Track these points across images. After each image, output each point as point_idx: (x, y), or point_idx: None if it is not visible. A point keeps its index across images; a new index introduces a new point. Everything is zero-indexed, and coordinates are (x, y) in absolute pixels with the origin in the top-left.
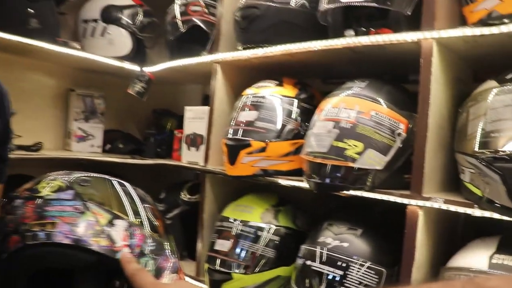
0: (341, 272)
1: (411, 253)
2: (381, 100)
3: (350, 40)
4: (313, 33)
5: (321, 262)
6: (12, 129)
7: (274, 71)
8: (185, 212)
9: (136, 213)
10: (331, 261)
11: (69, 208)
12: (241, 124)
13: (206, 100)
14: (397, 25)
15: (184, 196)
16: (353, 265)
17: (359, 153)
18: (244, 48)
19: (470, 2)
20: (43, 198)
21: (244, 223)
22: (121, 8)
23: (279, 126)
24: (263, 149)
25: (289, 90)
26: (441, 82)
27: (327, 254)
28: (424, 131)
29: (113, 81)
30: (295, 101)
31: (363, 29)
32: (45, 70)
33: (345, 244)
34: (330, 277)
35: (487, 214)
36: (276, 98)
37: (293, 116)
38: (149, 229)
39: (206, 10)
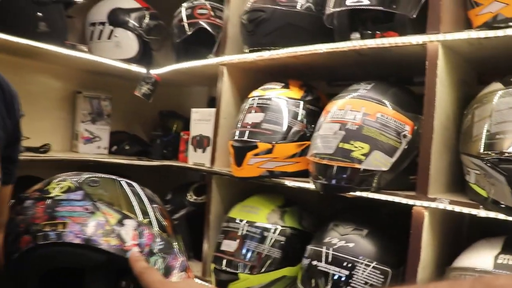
0: (347, 272)
1: (417, 254)
2: (387, 102)
3: (356, 42)
4: (319, 36)
5: (327, 262)
6: (21, 130)
7: (280, 73)
8: (191, 213)
9: (145, 213)
10: (337, 261)
11: (79, 208)
12: (248, 126)
13: (212, 102)
14: (403, 28)
15: (190, 197)
16: (359, 265)
17: (365, 155)
18: (250, 51)
19: (476, 5)
20: (53, 199)
21: (250, 223)
22: (128, 11)
23: (285, 128)
24: (269, 151)
25: (295, 92)
26: (446, 84)
27: (333, 254)
28: (429, 132)
29: (120, 83)
30: (301, 103)
31: (369, 32)
32: (53, 72)
33: (351, 245)
34: (336, 277)
35: (492, 214)
36: (282, 100)
37: (299, 118)
38: (158, 228)
39: (212, 13)
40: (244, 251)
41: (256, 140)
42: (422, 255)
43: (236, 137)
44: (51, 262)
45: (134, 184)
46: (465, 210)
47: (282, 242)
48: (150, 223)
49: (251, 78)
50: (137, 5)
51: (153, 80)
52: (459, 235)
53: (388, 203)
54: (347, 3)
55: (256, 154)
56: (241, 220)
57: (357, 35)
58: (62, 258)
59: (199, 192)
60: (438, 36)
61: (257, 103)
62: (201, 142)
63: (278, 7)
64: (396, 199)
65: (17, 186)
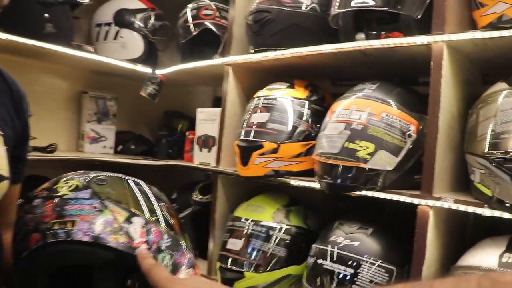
0: (352, 271)
1: (422, 252)
2: (392, 102)
3: (361, 43)
4: (324, 36)
5: (332, 261)
6: (30, 130)
7: (285, 73)
8: (196, 212)
9: (152, 211)
10: (342, 260)
11: (87, 206)
12: (253, 126)
13: (217, 102)
14: (408, 29)
15: (196, 196)
16: (364, 263)
17: (371, 154)
18: (255, 51)
19: (480, 6)
20: (62, 198)
21: (256, 222)
22: (134, 12)
23: (290, 127)
24: (275, 150)
25: (300, 92)
26: (451, 85)
27: (338, 252)
28: (434, 132)
29: (125, 83)
30: (306, 103)
31: (374, 32)
32: (59, 73)
33: (356, 243)
34: (341, 275)
35: (497, 214)
36: (287, 100)
37: (304, 117)
38: (165, 226)
39: (217, 14)
40: (249, 249)
41: (262, 140)
42: (427, 254)
43: (242, 137)
44: (60, 260)
45: (141, 182)
46: (470, 209)
47: (287, 241)
48: (157, 221)
49: (256, 78)
50: (143, 6)
51: (159, 80)
52: (463, 234)
53: (392, 202)
54: (352, 4)
55: (262, 154)
56: (246, 219)
57: (362, 35)
58: (71, 256)
59: (205, 191)
60: (443, 37)
61: (263, 103)
62: (206, 142)
63: (284, 8)
64: (401, 198)
65: (24, 185)
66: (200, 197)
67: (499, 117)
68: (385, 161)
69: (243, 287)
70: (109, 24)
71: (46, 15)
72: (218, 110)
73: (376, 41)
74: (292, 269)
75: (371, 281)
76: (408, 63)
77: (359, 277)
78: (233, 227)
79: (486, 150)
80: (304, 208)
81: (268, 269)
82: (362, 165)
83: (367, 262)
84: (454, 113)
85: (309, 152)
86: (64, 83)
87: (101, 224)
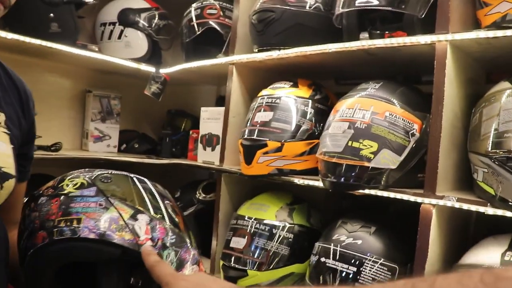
0: (354, 269)
1: (424, 251)
2: (395, 101)
3: (364, 42)
4: (328, 35)
5: (335, 259)
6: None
7: (289, 72)
8: (200, 211)
9: (157, 208)
10: (345, 258)
11: (93, 204)
12: (257, 125)
13: (220, 100)
14: (411, 28)
15: (199, 195)
16: (367, 262)
17: (374, 153)
18: (259, 51)
19: (484, 5)
20: (67, 195)
21: (259, 221)
22: (138, 11)
23: (294, 126)
24: (279, 149)
25: (303, 91)
26: (454, 84)
27: (341, 251)
28: (438, 131)
29: (129, 82)
30: (310, 102)
31: (378, 32)
32: (63, 72)
33: (359, 242)
34: (344, 273)
35: (500, 212)
36: (291, 99)
37: (308, 116)
38: (170, 223)
39: (221, 13)
40: (252, 248)
41: (266, 139)
42: (429, 252)
43: (246, 136)
44: (66, 257)
45: (146, 180)
46: (473, 207)
47: (290, 239)
48: (162, 218)
49: (260, 77)
50: (147, 5)
51: (163, 79)
52: (466, 232)
53: (396, 200)
54: (357, 3)
55: (266, 153)
56: (250, 218)
57: (366, 35)
58: (77, 253)
59: (208, 190)
60: (446, 36)
61: (266, 102)
62: (210, 141)
63: (288, 7)
64: (405, 196)
65: (28, 184)
66: (204, 195)
67: (502, 116)
68: (388, 160)
69: (246, 285)
70: (113, 24)
71: (51, 14)
72: (222, 109)
73: (380, 41)
74: (295, 268)
75: (373, 279)
76: (412, 62)
77: (361, 275)
78: (237, 226)
79: (489, 149)
80: (307, 207)
81: (271, 267)
82: (366, 163)
83: (369, 260)
84: (457, 112)
85: (312, 151)
86: (68, 82)
87: (107, 221)
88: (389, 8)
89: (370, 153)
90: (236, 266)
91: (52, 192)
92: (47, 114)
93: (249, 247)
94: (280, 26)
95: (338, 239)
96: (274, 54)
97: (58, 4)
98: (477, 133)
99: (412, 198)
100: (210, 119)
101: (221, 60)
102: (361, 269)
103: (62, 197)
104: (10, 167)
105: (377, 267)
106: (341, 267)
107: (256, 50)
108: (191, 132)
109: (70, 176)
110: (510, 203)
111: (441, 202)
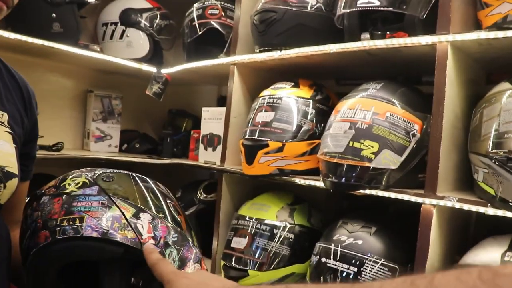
0: (355, 269)
1: (425, 251)
2: (396, 102)
3: (366, 43)
4: (329, 36)
5: (336, 259)
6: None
7: (290, 72)
8: (201, 211)
9: (159, 207)
10: (345, 258)
11: (95, 203)
12: (258, 125)
13: (221, 100)
14: (412, 29)
15: (200, 194)
16: (367, 262)
17: (375, 153)
18: (261, 51)
19: (485, 6)
20: (70, 194)
21: (260, 221)
22: (140, 11)
23: (295, 126)
24: (280, 149)
25: (305, 92)
26: (455, 84)
27: (341, 251)
28: (438, 132)
29: (130, 82)
30: (311, 102)
31: (379, 32)
32: (65, 72)
33: (359, 242)
34: (344, 274)
35: (500, 213)
36: (292, 99)
37: (309, 117)
38: (172, 222)
39: (223, 13)
40: (253, 248)
41: (267, 139)
42: (430, 253)
43: (247, 136)
44: (69, 256)
45: (148, 179)
46: (473, 208)
47: (291, 240)
48: (164, 216)
49: (261, 78)
50: (149, 5)
51: (164, 79)
52: (466, 233)
53: (396, 201)
54: (358, 4)
55: (267, 153)
56: (250, 218)
57: (367, 35)
58: (80, 252)
59: (209, 190)
60: (447, 37)
61: (268, 102)
62: (211, 141)
63: (289, 8)
64: (405, 197)
65: (30, 183)
66: (205, 195)
67: (503, 117)
68: (389, 160)
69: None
70: (115, 24)
71: (54, 14)
72: (223, 109)
73: (381, 41)
74: (295, 268)
75: (374, 280)
76: (413, 62)
77: (362, 275)
78: (238, 226)
79: (490, 149)
80: (308, 207)
81: (271, 267)
82: (367, 164)
83: (370, 260)
84: (458, 112)
85: (313, 151)
86: (70, 82)
87: (109, 220)
88: (390, 9)
89: (371, 153)
90: (237, 266)
91: (54, 192)
92: (49, 114)
93: (250, 247)
94: (281, 26)
95: (338, 239)
96: (276, 54)
97: (60, 4)
98: (478, 134)
99: (413, 199)
100: (211, 119)
101: (222, 60)
102: (361, 269)
103: (64, 196)
104: (13, 166)
105: (378, 267)
106: (341, 267)
107: (258, 51)
108: (192, 132)
109: (72, 176)
110: (510, 204)
111: (441, 203)
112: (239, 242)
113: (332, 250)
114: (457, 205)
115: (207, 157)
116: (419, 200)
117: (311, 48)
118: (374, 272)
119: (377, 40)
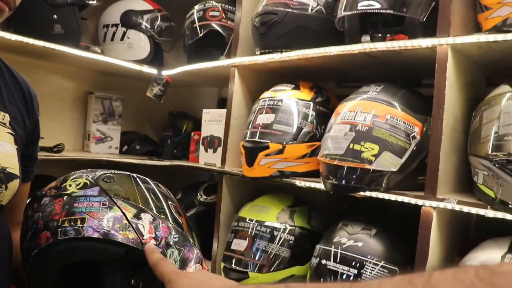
0: (355, 271)
1: (425, 253)
2: (396, 104)
3: (366, 45)
4: (330, 38)
5: (336, 261)
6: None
7: (290, 74)
8: (201, 213)
9: (160, 208)
10: (345, 261)
11: (96, 203)
12: (259, 127)
13: (222, 102)
14: (413, 31)
15: (201, 196)
16: (367, 264)
17: (375, 155)
18: (261, 53)
19: (485, 9)
20: (71, 195)
21: (260, 223)
22: (141, 13)
23: (295, 128)
24: (280, 151)
25: (305, 94)
26: (455, 87)
27: (341, 253)
28: (438, 134)
29: (131, 84)
30: (311, 104)
31: (379, 35)
32: (66, 73)
33: (360, 244)
34: (344, 276)
35: (500, 215)
36: (293, 102)
37: (309, 119)
38: (173, 223)
39: (224, 15)
40: (253, 250)
41: (267, 141)
42: (430, 255)
43: (248, 138)
44: (71, 257)
45: (149, 180)
46: (473, 210)
47: (291, 242)
48: (165, 217)
49: (261, 80)
50: (150, 7)
51: (164, 81)
52: (466, 235)
53: (396, 203)
54: (359, 6)
55: (267, 155)
56: (251, 220)
57: (368, 37)
58: (82, 252)
59: (209, 192)
60: (447, 40)
61: (268, 104)
62: (212, 143)
63: (290, 10)
64: (405, 199)
65: (31, 185)
66: (205, 197)
67: (503, 119)
68: (389, 163)
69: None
70: (116, 25)
71: (55, 16)
72: (224, 111)
73: (381, 44)
74: (295, 270)
75: None
76: (413, 65)
77: (362, 277)
78: (238, 228)
79: (490, 152)
80: (308, 209)
81: (272, 269)
82: (367, 166)
83: (370, 262)
84: (458, 115)
85: (314, 153)
86: (71, 83)
87: (110, 220)
88: (391, 11)
89: (371, 155)
90: (237, 268)
91: (55, 193)
92: (50, 115)
93: (250, 249)
94: (282, 28)
95: (339, 241)
96: (276, 56)
97: (62, 6)
98: (478, 136)
99: (413, 201)
100: (211, 121)
101: (223, 62)
102: (361, 271)
103: (65, 197)
104: (14, 167)
105: (378, 269)
106: (342, 269)
107: (258, 53)
108: (192, 134)
109: (73, 177)
110: (510, 206)
111: (441, 205)
112: (239, 244)
113: (332, 252)
114: (457, 207)
115: (207, 159)
116: (419, 202)
117: (311, 50)
118: (374, 274)
119: (377, 43)
